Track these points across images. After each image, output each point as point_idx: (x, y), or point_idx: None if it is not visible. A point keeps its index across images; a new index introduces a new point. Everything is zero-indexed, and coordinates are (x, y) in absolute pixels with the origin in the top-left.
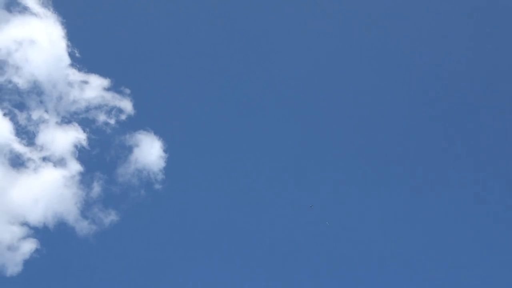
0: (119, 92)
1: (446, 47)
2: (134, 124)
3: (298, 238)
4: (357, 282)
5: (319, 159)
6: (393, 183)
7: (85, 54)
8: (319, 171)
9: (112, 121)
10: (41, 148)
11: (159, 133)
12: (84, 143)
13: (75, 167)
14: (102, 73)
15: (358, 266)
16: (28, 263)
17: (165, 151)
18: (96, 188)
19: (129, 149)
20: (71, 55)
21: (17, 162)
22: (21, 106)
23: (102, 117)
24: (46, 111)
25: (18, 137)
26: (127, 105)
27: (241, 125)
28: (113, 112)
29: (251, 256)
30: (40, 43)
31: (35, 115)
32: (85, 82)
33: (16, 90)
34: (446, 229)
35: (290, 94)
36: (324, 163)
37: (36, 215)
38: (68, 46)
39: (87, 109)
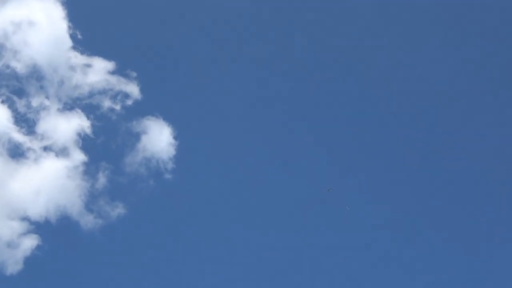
0: (125, 76)
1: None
2: (141, 109)
3: (314, 225)
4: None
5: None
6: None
7: (88, 35)
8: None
9: (117, 107)
10: (42, 137)
11: (169, 118)
12: (88, 131)
13: (79, 156)
14: (106, 56)
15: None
16: (29, 260)
17: (175, 138)
18: (102, 179)
19: (137, 137)
20: (72, 37)
21: (16, 153)
22: (20, 93)
23: (107, 103)
24: (47, 97)
25: (17, 125)
26: (133, 90)
27: (257, 110)
28: (118, 97)
29: (268, 252)
30: (39, 24)
31: (35, 101)
32: (88, 66)
33: (15, 76)
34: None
35: (306, 81)
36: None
37: (37, 209)
38: (69, 27)
39: (91, 95)
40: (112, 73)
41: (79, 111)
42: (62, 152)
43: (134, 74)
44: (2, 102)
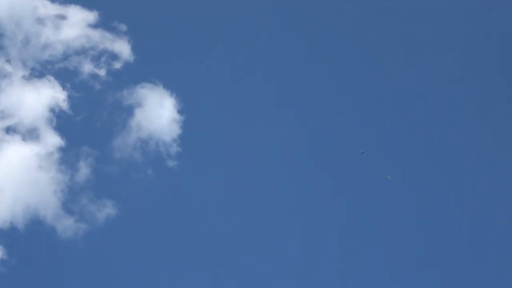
0: (111, 30)
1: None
2: (134, 74)
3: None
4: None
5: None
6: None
7: None
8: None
9: (102, 72)
10: (3, 114)
11: (171, 86)
12: (64, 105)
13: (53, 140)
14: (86, 3)
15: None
16: None
17: (180, 111)
18: (84, 170)
19: (129, 111)
20: None
21: None
22: None
23: (87, 67)
24: (8, 61)
25: None
26: (123, 48)
27: (278, 71)
28: (103, 59)
29: (286, 255)
30: None
31: None
32: (62, 17)
33: None
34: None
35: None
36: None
37: None
38: None
39: (66, 56)
40: (94, 26)
41: (52, 78)
42: (30, 134)
43: (124, 27)
44: None
